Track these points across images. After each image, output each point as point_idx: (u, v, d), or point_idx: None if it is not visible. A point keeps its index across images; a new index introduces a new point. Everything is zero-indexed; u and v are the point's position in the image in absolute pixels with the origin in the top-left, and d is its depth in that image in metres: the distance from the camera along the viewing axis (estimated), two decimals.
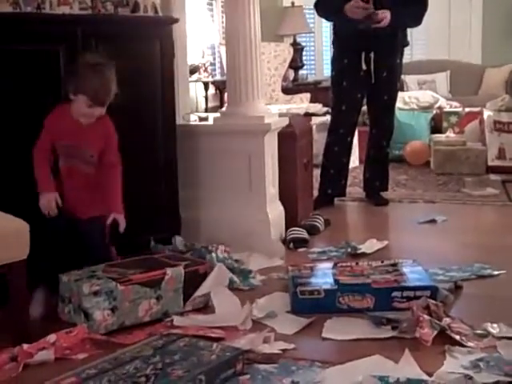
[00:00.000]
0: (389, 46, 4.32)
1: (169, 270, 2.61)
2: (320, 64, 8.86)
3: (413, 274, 2.73)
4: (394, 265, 2.86)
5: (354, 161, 5.56)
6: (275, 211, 3.60)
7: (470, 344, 2.23)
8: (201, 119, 3.78)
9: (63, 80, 2.78)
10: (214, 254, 3.10)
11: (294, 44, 7.97)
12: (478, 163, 5.58)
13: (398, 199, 4.71)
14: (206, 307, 2.66)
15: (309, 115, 5.66)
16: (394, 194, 4.82)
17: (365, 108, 4.62)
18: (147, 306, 2.53)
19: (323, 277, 2.76)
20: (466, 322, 2.38)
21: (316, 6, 4.42)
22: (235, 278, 2.92)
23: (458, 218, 4.18)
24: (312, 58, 8.87)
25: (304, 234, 3.62)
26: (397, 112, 4.84)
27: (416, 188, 5.11)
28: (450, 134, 6.15)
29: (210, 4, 7.36)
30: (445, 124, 6.39)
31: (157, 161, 3.35)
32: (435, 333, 2.27)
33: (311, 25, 8.35)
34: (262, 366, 2.11)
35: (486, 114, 5.78)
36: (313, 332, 2.40)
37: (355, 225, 4.39)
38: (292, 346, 2.27)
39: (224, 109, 3.80)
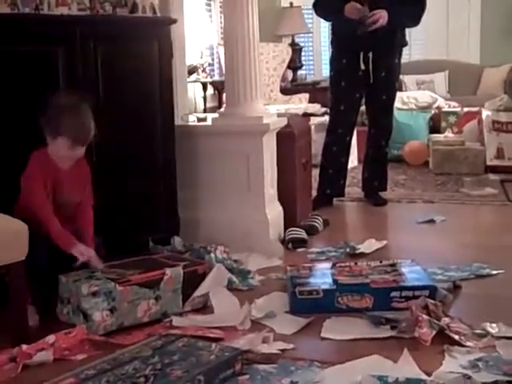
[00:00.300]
0: (387, 45, 4.32)
1: (168, 271, 2.61)
2: (318, 64, 8.87)
3: (411, 273, 2.73)
4: (393, 265, 2.86)
5: (353, 161, 5.56)
6: (274, 211, 3.60)
7: (468, 344, 2.23)
8: (199, 120, 3.78)
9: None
10: (212, 255, 3.11)
11: (293, 44, 7.98)
12: (476, 163, 5.58)
13: (397, 199, 4.71)
14: (204, 307, 2.67)
15: (307, 115, 5.66)
16: (392, 194, 4.83)
17: (363, 108, 4.62)
18: (146, 306, 2.53)
19: (322, 277, 2.76)
20: (464, 321, 2.38)
21: (314, 6, 4.43)
22: (234, 278, 2.92)
23: (457, 217, 4.18)
24: (310, 58, 8.87)
25: (303, 234, 3.62)
26: (395, 112, 4.85)
27: (415, 188, 5.12)
28: (448, 134, 6.15)
29: (209, 4, 7.37)
30: (443, 124, 6.39)
31: (155, 161, 3.35)
32: (434, 332, 2.27)
33: (310, 25, 8.36)
34: (261, 366, 2.11)
35: (485, 113, 5.78)
36: (312, 332, 2.40)
37: (354, 225, 4.39)
38: (291, 346, 2.27)
39: (222, 109, 3.80)
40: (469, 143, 5.77)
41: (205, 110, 6.58)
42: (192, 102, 6.41)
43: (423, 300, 2.44)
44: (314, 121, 5.45)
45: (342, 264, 2.94)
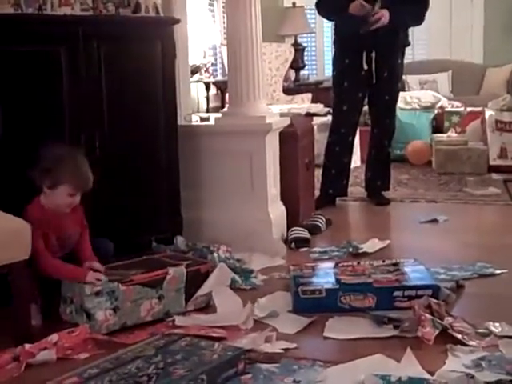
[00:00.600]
0: (390, 45, 4.32)
1: (171, 270, 2.61)
2: (321, 64, 8.87)
3: (414, 273, 2.73)
4: (396, 264, 2.86)
5: (356, 161, 5.55)
6: (277, 211, 3.60)
7: (471, 343, 2.23)
8: (202, 119, 3.78)
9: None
10: (215, 254, 3.11)
11: (296, 44, 7.97)
12: (479, 163, 5.58)
13: (400, 199, 4.71)
14: (207, 307, 2.67)
15: (310, 115, 5.66)
16: (395, 194, 4.82)
17: (366, 108, 4.62)
18: (149, 305, 2.53)
19: (325, 276, 2.76)
20: (467, 320, 2.38)
21: (317, 5, 4.43)
22: (237, 278, 2.92)
23: (460, 217, 4.17)
24: (313, 58, 8.87)
25: (306, 234, 3.62)
26: (398, 112, 4.84)
27: (418, 187, 5.11)
28: (451, 134, 6.15)
29: (212, 4, 7.37)
30: (446, 124, 6.39)
31: (158, 161, 3.35)
32: (437, 332, 2.27)
33: (312, 25, 8.35)
34: (263, 366, 2.11)
35: (488, 113, 5.78)
36: (314, 331, 2.40)
37: (357, 224, 4.39)
38: (294, 345, 2.27)
39: (225, 109, 3.80)
40: (472, 143, 5.76)
41: (207, 110, 6.58)
42: (195, 101, 6.40)
43: (426, 299, 2.44)
44: (316, 121, 5.44)
45: (345, 263, 2.94)
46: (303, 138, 3.94)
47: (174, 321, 2.51)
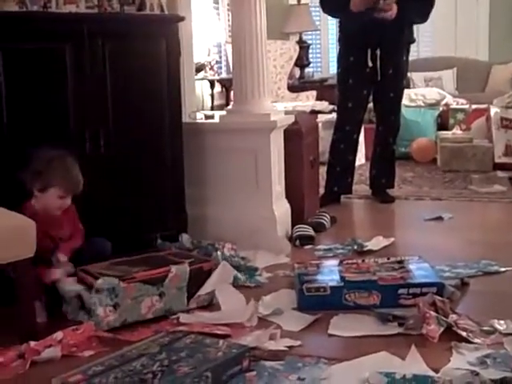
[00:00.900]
0: (395, 42, 4.31)
1: (173, 268, 2.61)
2: (326, 61, 8.85)
3: (419, 270, 2.73)
4: (401, 262, 2.86)
5: (360, 158, 5.55)
6: (281, 208, 3.60)
7: (476, 340, 2.22)
8: (207, 117, 3.78)
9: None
10: (219, 252, 3.11)
11: (300, 42, 7.97)
12: (484, 160, 5.57)
13: (405, 196, 4.70)
14: (210, 305, 2.66)
15: (315, 113, 5.66)
16: (400, 192, 4.82)
17: (371, 105, 4.61)
18: (150, 303, 2.53)
19: (329, 274, 2.76)
20: (472, 318, 2.37)
21: (321, 2, 4.41)
22: (240, 276, 2.92)
23: (465, 215, 4.17)
24: (318, 55, 8.86)
25: (310, 232, 3.62)
26: (403, 109, 4.83)
27: (422, 185, 5.11)
28: (456, 131, 6.13)
29: (216, 2, 7.37)
30: (451, 121, 6.38)
31: (163, 159, 3.35)
32: (442, 329, 2.27)
33: (317, 22, 8.34)
34: (268, 363, 2.11)
35: (493, 110, 5.76)
36: (319, 329, 2.40)
37: (361, 222, 4.38)
38: (298, 342, 2.27)
39: (230, 106, 3.80)
40: (477, 140, 5.75)
41: (212, 108, 6.59)
42: (199, 99, 6.41)
43: (431, 297, 2.44)
44: (321, 118, 5.44)
45: (350, 261, 2.94)
46: (308, 135, 3.94)
47: (178, 318, 2.51)
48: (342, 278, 2.68)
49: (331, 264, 2.93)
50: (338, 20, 4.68)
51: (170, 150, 3.38)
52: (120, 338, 2.35)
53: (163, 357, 2.04)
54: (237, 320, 2.46)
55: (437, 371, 2.00)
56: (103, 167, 3.14)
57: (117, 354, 2.09)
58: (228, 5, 6.87)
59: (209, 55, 6.90)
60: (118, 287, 2.46)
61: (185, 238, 3.38)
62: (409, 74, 6.06)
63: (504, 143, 5.59)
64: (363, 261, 2.92)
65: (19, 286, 2.32)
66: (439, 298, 2.45)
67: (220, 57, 7.47)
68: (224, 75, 7.32)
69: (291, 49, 7.56)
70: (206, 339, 2.18)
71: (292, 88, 7.51)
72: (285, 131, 3.66)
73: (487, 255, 3.17)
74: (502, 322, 2.35)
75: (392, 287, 2.58)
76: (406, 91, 4.87)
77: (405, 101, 5.29)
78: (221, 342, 2.15)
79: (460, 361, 2.08)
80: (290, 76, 7.68)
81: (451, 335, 2.25)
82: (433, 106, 6.69)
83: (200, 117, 3.78)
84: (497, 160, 5.57)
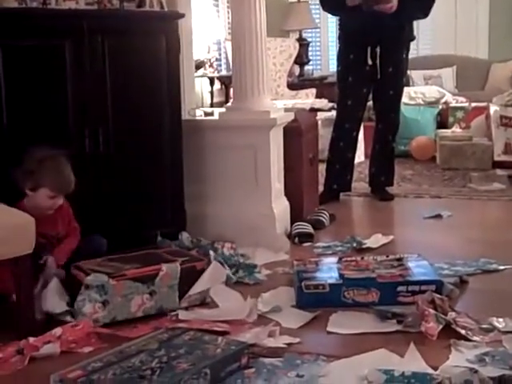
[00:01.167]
0: (395, 40, 4.31)
1: (164, 267, 2.59)
2: (326, 59, 8.86)
3: (418, 268, 2.73)
4: (400, 259, 2.86)
5: (360, 156, 5.55)
6: (281, 206, 3.60)
7: (475, 338, 2.22)
8: (206, 114, 3.78)
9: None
10: (211, 252, 3.07)
11: (300, 39, 7.97)
12: (484, 158, 5.57)
13: (404, 194, 4.70)
14: (202, 304, 2.65)
15: (314, 110, 5.65)
16: (399, 189, 4.82)
17: (370, 103, 4.61)
18: (140, 301, 2.51)
19: (328, 271, 2.76)
20: (471, 316, 2.37)
21: (321, 1, 4.41)
22: (232, 275, 2.90)
23: (464, 213, 4.17)
24: (318, 53, 8.86)
25: (309, 229, 3.62)
26: (403, 107, 4.84)
27: (422, 183, 5.11)
28: (456, 129, 6.14)
29: None
30: (451, 119, 6.38)
31: (162, 156, 3.35)
32: (440, 327, 2.27)
33: (317, 20, 8.35)
34: (267, 360, 2.11)
35: (493, 108, 5.76)
36: (318, 326, 2.41)
37: (360, 220, 4.39)
38: (297, 339, 2.27)
39: (230, 104, 3.80)
40: (476, 138, 5.75)
41: (212, 105, 6.58)
42: (199, 96, 6.41)
43: (430, 294, 2.44)
44: (320, 116, 5.44)
45: (349, 258, 2.94)
46: (307, 133, 3.94)
47: (177, 315, 2.51)
48: (341, 276, 2.68)
49: (330, 261, 2.93)
50: (337, 18, 4.67)
51: (170, 148, 3.37)
52: (119, 334, 2.34)
53: (162, 353, 2.04)
54: (236, 317, 2.46)
55: (435, 369, 2.00)
56: (102, 165, 3.14)
57: (116, 350, 2.09)
58: (228, 2, 6.86)
59: (208, 52, 6.89)
60: (107, 284, 2.46)
61: (184, 237, 3.38)
62: (408, 72, 6.05)
63: (503, 141, 5.59)
64: (362, 258, 2.93)
65: (18, 282, 2.32)
66: (438, 295, 2.45)
67: (220, 54, 7.47)
68: (224, 72, 7.32)
69: (291, 46, 7.55)
70: (204, 336, 2.18)
71: (291, 86, 7.50)
72: (284, 129, 3.66)
73: (486, 253, 3.17)
74: (500, 319, 2.35)
75: (391, 285, 2.59)
76: (405, 89, 4.87)
77: (404, 99, 5.29)
78: (220, 338, 2.15)
79: (459, 358, 2.08)
80: (290, 74, 7.67)
81: (450, 333, 2.25)
82: (432, 104, 6.70)
83: (199, 114, 3.78)
84: (496, 158, 5.57)
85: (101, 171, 3.14)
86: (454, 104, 6.64)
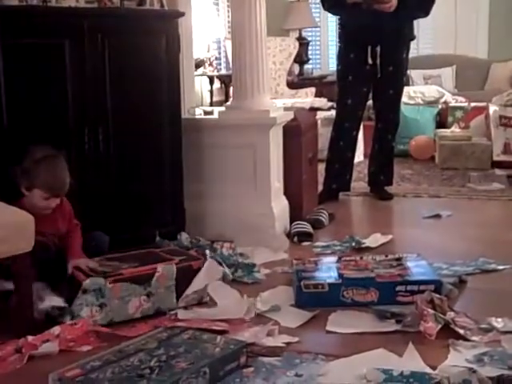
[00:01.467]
0: (395, 40, 4.31)
1: (159, 268, 2.58)
2: (325, 58, 8.85)
3: (417, 268, 2.73)
4: (399, 259, 2.86)
5: (359, 155, 5.55)
6: (280, 205, 3.60)
7: (474, 338, 2.23)
8: (206, 113, 3.78)
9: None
10: (207, 251, 3.06)
11: (300, 38, 7.96)
12: (483, 158, 5.57)
13: (403, 194, 4.70)
14: (200, 303, 2.64)
15: (314, 110, 5.65)
16: (398, 189, 4.82)
17: (370, 102, 4.61)
18: (137, 303, 2.51)
19: (327, 271, 2.76)
20: (470, 316, 2.37)
21: (322, 0, 4.41)
22: (228, 272, 2.89)
23: (463, 212, 4.17)
24: (317, 52, 8.86)
25: (308, 228, 3.62)
26: (402, 107, 4.83)
27: (421, 183, 5.11)
28: (455, 129, 6.14)
29: None
30: (450, 119, 6.38)
31: (162, 154, 3.35)
32: (439, 327, 2.27)
33: (317, 19, 8.35)
34: (265, 359, 2.11)
35: (492, 108, 5.76)
36: (317, 325, 2.41)
37: (360, 219, 4.39)
38: (296, 339, 2.27)
39: (229, 103, 3.80)
40: (476, 138, 5.75)
41: (211, 104, 6.58)
42: (198, 95, 6.40)
43: (428, 294, 2.44)
44: (320, 115, 5.44)
45: (348, 258, 2.94)
46: (307, 132, 3.94)
47: (176, 314, 2.51)
48: (340, 275, 2.68)
49: (329, 261, 2.93)
50: (338, 17, 4.67)
51: (169, 146, 3.37)
52: (118, 333, 2.34)
53: (161, 352, 2.04)
54: (235, 316, 2.46)
55: (434, 368, 2.00)
56: (102, 164, 3.14)
57: (114, 349, 2.09)
58: (228, 1, 6.86)
59: (208, 51, 6.89)
60: (104, 287, 2.45)
61: (184, 237, 3.38)
62: (408, 72, 6.05)
63: (503, 141, 5.59)
64: (361, 258, 2.93)
65: (18, 280, 2.32)
66: (437, 295, 2.45)
67: (219, 53, 7.47)
68: (223, 71, 7.32)
69: (291, 45, 7.55)
70: (203, 335, 2.18)
71: (291, 85, 7.50)
72: (284, 128, 3.66)
73: (485, 253, 3.17)
74: (499, 319, 2.35)
75: (390, 284, 2.59)
76: (405, 89, 4.87)
77: (404, 98, 5.27)
78: (218, 337, 2.15)
79: (457, 358, 2.08)
80: (290, 73, 7.67)
81: (449, 333, 2.26)
82: (432, 103, 6.70)
83: (199, 113, 3.78)
84: (495, 158, 5.57)
85: (100, 170, 3.14)
86: (453, 104, 6.64)
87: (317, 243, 3.50)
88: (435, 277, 2.67)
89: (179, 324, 2.36)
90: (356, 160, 4.80)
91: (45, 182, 2.69)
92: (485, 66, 8.04)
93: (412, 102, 6.63)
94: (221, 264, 2.90)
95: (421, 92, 6.83)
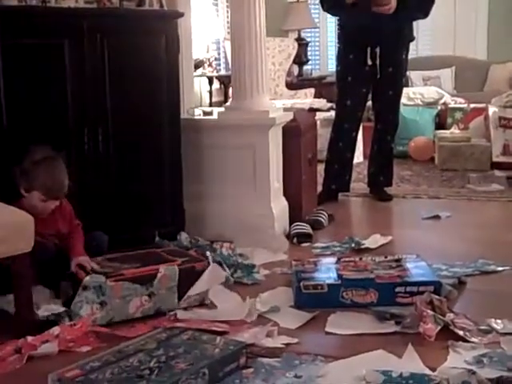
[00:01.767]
0: (395, 41, 4.31)
1: (162, 269, 2.58)
2: (325, 59, 8.85)
3: (416, 269, 2.73)
4: (398, 260, 2.86)
5: (359, 156, 5.55)
6: (279, 206, 3.60)
7: (473, 339, 2.23)
8: (205, 113, 3.77)
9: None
10: (209, 253, 3.05)
11: (299, 39, 7.96)
12: (482, 159, 5.57)
13: (402, 195, 4.70)
14: (201, 305, 2.64)
15: (313, 110, 5.65)
16: (398, 190, 4.82)
17: (370, 103, 4.61)
18: (139, 303, 2.51)
19: (327, 272, 2.76)
20: (469, 317, 2.37)
21: (321, 0, 4.40)
22: (231, 278, 2.88)
23: (462, 213, 4.17)
24: (317, 53, 8.86)
25: (308, 229, 3.62)
26: (401, 108, 4.83)
27: (420, 184, 5.11)
28: (454, 130, 6.14)
29: None
30: (449, 120, 6.38)
31: (161, 155, 3.35)
32: (439, 328, 2.27)
33: (316, 20, 8.35)
34: (265, 360, 2.11)
35: (491, 110, 5.76)
36: (316, 326, 2.40)
37: (359, 220, 4.39)
38: (295, 340, 2.27)
39: (229, 103, 3.79)
40: (475, 139, 5.75)
41: (210, 105, 6.58)
42: (198, 96, 6.40)
43: (428, 295, 2.44)
44: (319, 116, 5.44)
45: (347, 259, 2.94)
46: (306, 132, 3.94)
47: (176, 315, 2.51)
48: (340, 276, 2.68)
49: (329, 262, 2.93)
50: (337, 18, 4.66)
51: (168, 147, 3.37)
52: (117, 333, 2.34)
53: (160, 353, 2.04)
54: (235, 317, 2.46)
55: (433, 370, 2.00)
56: (102, 164, 3.14)
57: (114, 349, 2.09)
58: (227, 1, 6.86)
59: (207, 52, 6.89)
60: (104, 285, 2.45)
61: (183, 237, 3.37)
62: (407, 73, 6.05)
63: (502, 142, 5.59)
64: (361, 259, 2.93)
65: (17, 280, 2.31)
66: (436, 296, 2.45)
67: (219, 53, 7.47)
68: (222, 72, 7.32)
69: (290, 46, 7.55)
70: (203, 336, 2.18)
71: (290, 85, 7.50)
72: (283, 128, 3.66)
73: (485, 254, 3.17)
74: (498, 321, 2.35)
75: (389, 285, 2.58)
76: (404, 90, 4.87)
77: (403, 99, 5.26)
78: (218, 338, 2.15)
79: (457, 360, 2.08)
80: (289, 73, 7.67)
81: (448, 334, 2.25)
82: (431, 104, 6.69)
83: (198, 113, 3.78)
84: (494, 159, 5.57)
85: (100, 170, 3.14)
86: (452, 105, 6.64)
87: (316, 244, 3.50)
88: (435, 278, 2.67)
89: (179, 325, 2.36)
90: (355, 161, 4.80)
91: (43, 184, 2.70)
92: (484, 68, 8.04)
93: (411, 103, 6.63)
94: (221, 265, 2.90)
95: (420, 93, 6.83)
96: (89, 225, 2.92)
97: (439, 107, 6.63)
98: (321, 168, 4.52)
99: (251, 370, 2.05)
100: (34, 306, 2.43)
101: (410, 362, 2.07)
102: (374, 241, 3.47)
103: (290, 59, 7.55)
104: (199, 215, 3.52)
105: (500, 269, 3.01)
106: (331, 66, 8.13)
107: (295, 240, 3.53)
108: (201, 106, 5.70)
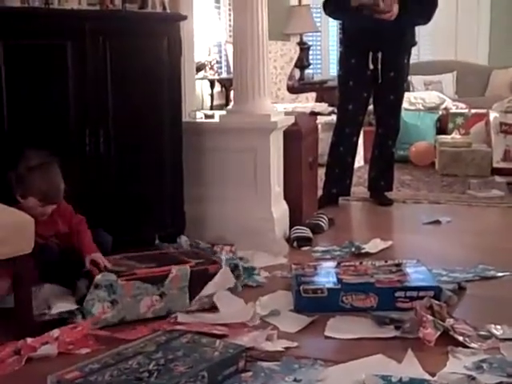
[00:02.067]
0: (397, 45, 4.31)
1: (174, 269, 2.60)
2: (326, 63, 8.85)
3: (416, 274, 2.73)
4: (398, 265, 2.86)
5: (359, 160, 5.55)
6: (280, 210, 3.60)
7: (473, 345, 2.23)
8: (207, 117, 3.78)
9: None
10: (223, 257, 3.05)
11: (301, 43, 7.96)
12: (483, 165, 5.56)
13: (403, 199, 4.70)
14: (212, 308, 2.63)
15: (314, 114, 5.65)
16: (398, 195, 4.82)
17: (371, 108, 4.61)
18: (149, 302, 2.52)
19: (327, 276, 2.76)
20: (469, 323, 2.37)
21: (324, 5, 4.41)
22: (238, 285, 2.86)
23: (463, 219, 4.17)
24: (318, 57, 8.86)
25: (308, 233, 3.62)
26: (403, 112, 4.82)
27: (421, 189, 5.11)
28: (455, 136, 6.13)
29: (217, 1, 7.37)
30: (451, 125, 6.38)
31: (162, 157, 3.35)
32: (438, 333, 2.27)
33: (318, 24, 8.34)
34: (264, 364, 2.11)
35: (492, 115, 5.76)
36: (315, 330, 2.40)
37: (359, 224, 4.39)
38: (295, 344, 2.27)
39: (230, 106, 3.79)
40: (476, 145, 5.75)
41: (212, 108, 6.59)
42: (199, 99, 6.41)
43: (428, 300, 2.44)
44: (320, 120, 5.43)
45: (347, 263, 2.94)
46: (307, 136, 3.94)
47: (176, 317, 2.51)
48: (339, 280, 2.68)
49: (328, 266, 2.93)
50: (340, 22, 4.67)
51: (170, 150, 3.37)
52: (116, 336, 2.34)
53: (159, 356, 2.04)
54: (238, 320, 2.45)
55: (433, 375, 2.00)
56: (103, 166, 3.14)
57: (113, 352, 2.09)
58: (229, 4, 6.87)
59: (209, 55, 6.90)
60: (115, 284, 2.46)
61: (183, 240, 3.37)
62: (409, 78, 6.05)
63: (503, 148, 5.58)
64: (361, 263, 2.93)
65: (17, 281, 2.31)
66: (436, 301, 2.45)
67: (220, 56, 7.47)
68: (224, 75, 7.32)
69: (292, 50, 7.56)
70: (202, 339, 2.18)
71: (292, 89, 7.50)
72: (284, 132, 3.66)
73: (484, 260, 3.17)
74: (498, 326, 2.35)
75: (389, 290, 2.59)
76: (405, 94, 4.87)
77: (404, 104, 5.27)
78: (217, 341, 2.15)
79: (456, 365, 2.08)
80: (290, 77, 7.67)
81: (448, 339, 2.25)
82: (432, 109, 6.69)
83: (200, 116, 3.78)
84: (495, 165, 5.56)
85: (101, 172, 3.14)
86: (453, 110, 6.64)
87: (316, 248, 3.50)
88: (434, 283, 2.67)
89: (179, 327, 2.35)
90: (356, 165, 4.80)
91: (39, 190, 2.69)
92: (485, 73, 8.04)
93: (412, 107, 6.63)
94: (237, 267, 2.90)
95: (421, 98, 6.83)
96: (89, 226, 2.91)
97: (440, 112, 6.63)
98: (321, 172, 4.52)
99: (250, 373, 2.05)
100: (45, 305, 2.44)
101: (410, 367, 2.06)
102: (374, 245, 3.47)
103: (292, 63, 7.56)
104: (200, 218, 3.52)
105: (500, 274, 3.01)
106: (333, 71, 8.13)
107: (295, 244, 3.53)
108: (202, 108, 5.71)
